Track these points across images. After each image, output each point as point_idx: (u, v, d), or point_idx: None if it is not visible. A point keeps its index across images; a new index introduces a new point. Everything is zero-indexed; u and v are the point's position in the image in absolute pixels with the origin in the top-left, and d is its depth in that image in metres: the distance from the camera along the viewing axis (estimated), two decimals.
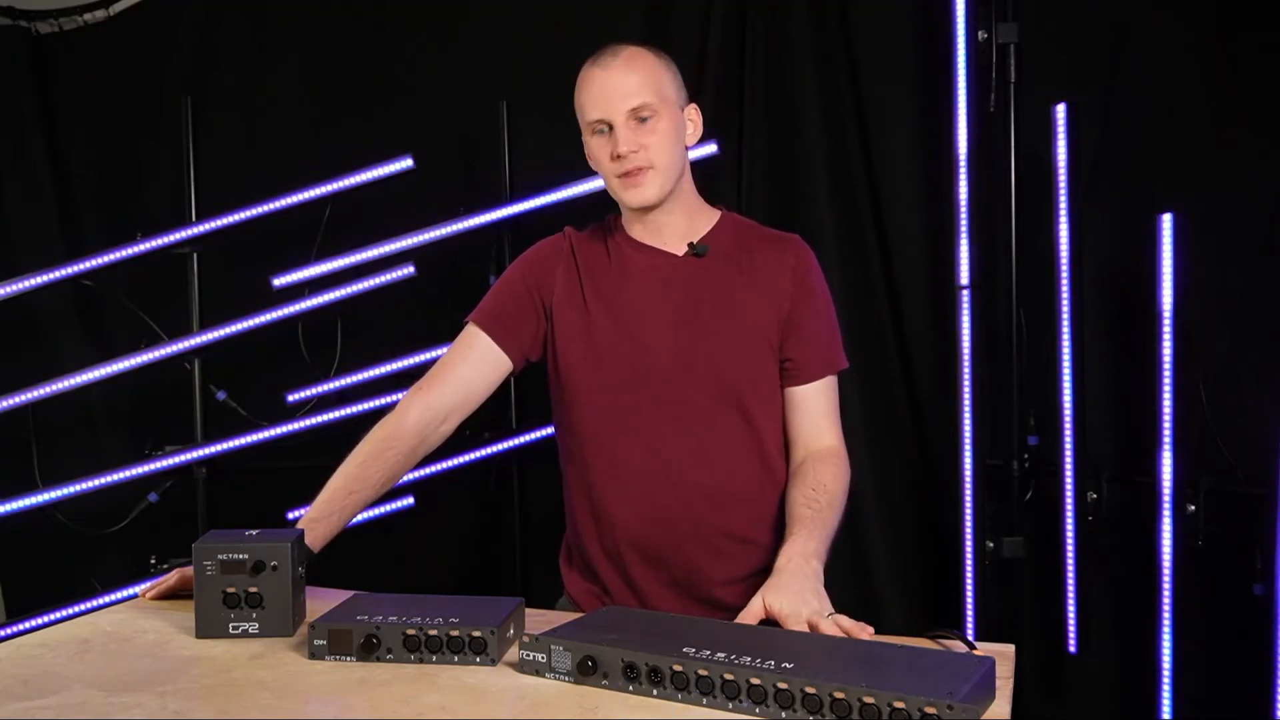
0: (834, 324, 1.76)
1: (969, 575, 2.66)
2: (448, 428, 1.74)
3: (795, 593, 1.45)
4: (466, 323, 1.77)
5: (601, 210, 1.84)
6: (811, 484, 1.65)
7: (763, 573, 1.70)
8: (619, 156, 1.64)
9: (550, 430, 2.79)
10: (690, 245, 1.72)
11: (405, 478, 2.85)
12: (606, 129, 1.66)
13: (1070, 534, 2.59)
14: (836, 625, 1.40)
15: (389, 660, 1.30)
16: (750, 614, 1.44)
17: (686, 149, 1.73)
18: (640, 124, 1.65)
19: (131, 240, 3.05)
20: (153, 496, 3.18)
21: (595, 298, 1.72)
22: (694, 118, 1.74)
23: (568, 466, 1.78)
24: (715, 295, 1.70)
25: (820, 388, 1.72)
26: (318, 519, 1.63)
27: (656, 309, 1.70)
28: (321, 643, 1.31)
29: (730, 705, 1.15)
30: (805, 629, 1.40)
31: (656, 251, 1.73)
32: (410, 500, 3.02)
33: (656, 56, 1.70)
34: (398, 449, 1.69)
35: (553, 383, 1.78)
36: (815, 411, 1.71)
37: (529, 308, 1.75)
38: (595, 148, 1.69)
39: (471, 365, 1.74)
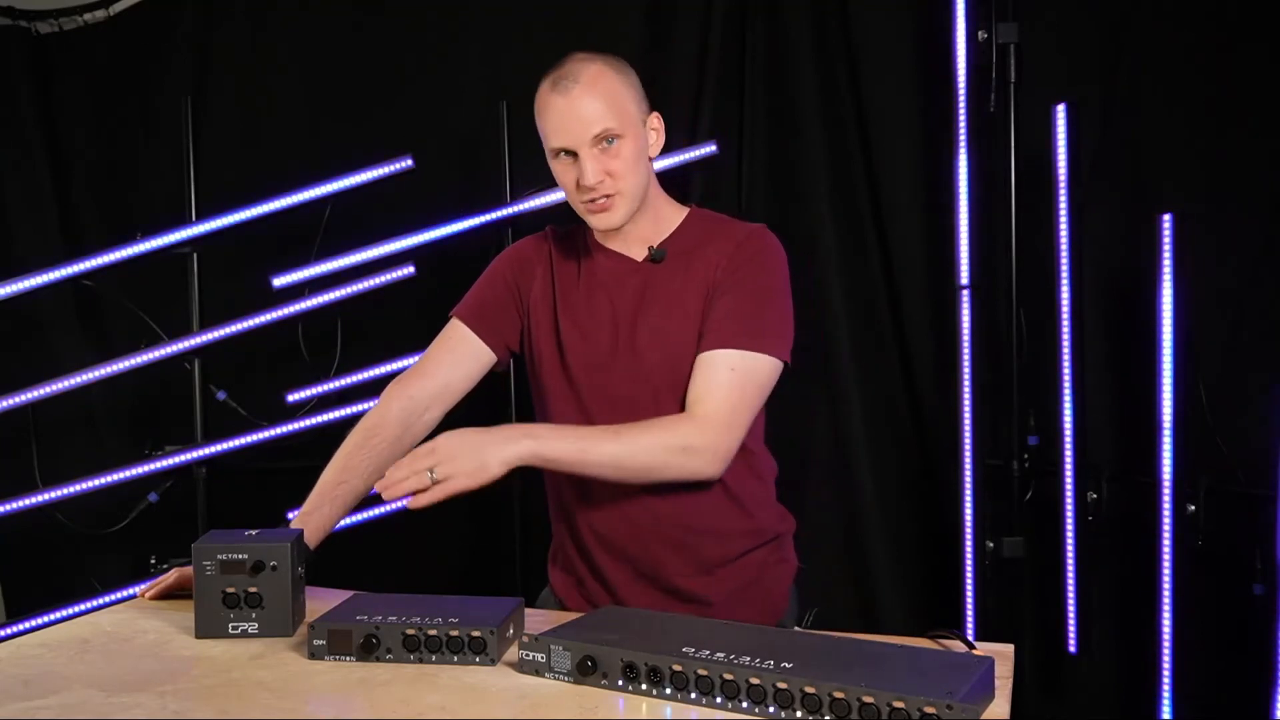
0: (762, 307, 1.66)
1: (969, 575, 2.66)
2: (431, 417, 1.76)
3: (453, 440, 1.50)
4: (450, 317, 1.81)
5: None
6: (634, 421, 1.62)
7: (726, 563, 1.72)
8: (585, 186, 1.64)
9: None
10: (650, 250, 1.73)
11: None
12: (570, 155, 1.65)
13: (1070, 534, 2.59)
14: (404, 477, 1.46)
15: (389, 660, 1.30)
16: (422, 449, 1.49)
17: (651, 159, 1.72)
18: (605, 149, 1.63)
19: (131, 240, 3.06)
20: (153, 496, 3.18)
21: (562, 300, 1.76)
22: (656, 126, 1.72)
23: None
24: (665, 294, 1.71)
25: (709, 360, 1.62)
26: (309, 512, 1.65)
27: (613, 311, 1.72)
28: (321, 643, 1.31)
29: (730, 705, 1.15)
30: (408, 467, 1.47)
31: (619, 256, 1.75)
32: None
33: (617, 73, 1.66)
34: (382, 437, 1.72)
35: (531, 382, 1.81)
36: (702, 379, 1.62)
37: (509, 303, 1.79)
38: (558, 171, 1.69)
39: (453, 357, 1.78)
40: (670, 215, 1.77)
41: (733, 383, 1.62)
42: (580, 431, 1.58)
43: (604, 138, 1.62)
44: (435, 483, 1.47)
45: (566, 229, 1.83)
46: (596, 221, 1.69)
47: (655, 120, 1.71)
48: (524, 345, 1.80)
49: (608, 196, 1.65)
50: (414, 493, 1.46)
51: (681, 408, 1.65)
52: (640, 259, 1.74)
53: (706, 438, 1.59)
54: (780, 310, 1.69)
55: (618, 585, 1.72)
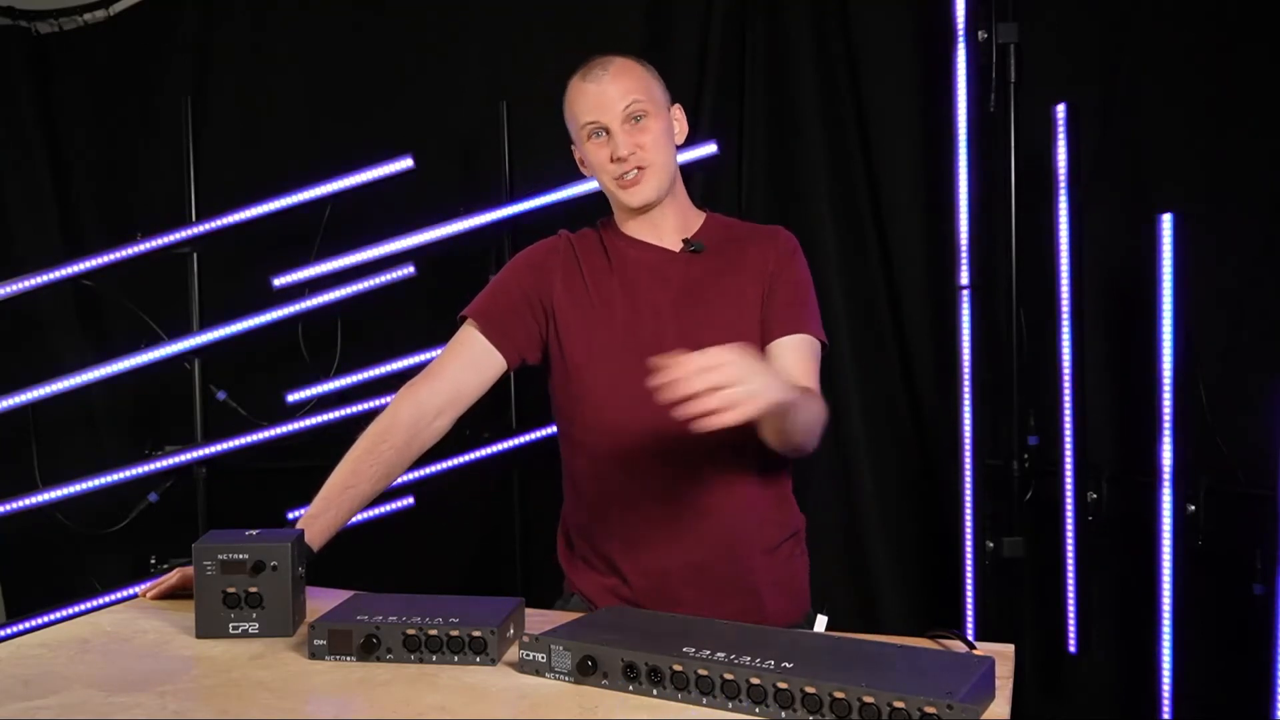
0: (809, 299, 1.77)
1: (969, 575, 2.66)
2: (441, 423, 1.75)
3: (744, 360, 1.37)
4: (462, 318, 1.79)
5: (601, 210, 1.86)
6: None
7: (768, 551, 1.74)
8: (618, 159, 1.70)
9: (549, 430, 2.78)
10: (685, 241, 1.77)
11: (405, 478, 2.89)
12: (602, 133, 1.71)
13: (1070, 534, 2.59)
14: (716, 364, 1.33)
15: (389, 660, 1.30)
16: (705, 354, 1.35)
17: (676, 149, 1.79)
18: (635, 124, 1.71)
19: (131, 240, 3.06)
20: (153, 496, 3.18)
21: (599, 294, 1.76)
22: (679, 117, 1.81)
23: (578, 461, 1.79)
24: (711, 284, 1.74)
25: (792, 343, 1.72)
26: (315, 516, 1.64)
27: (657, 300, 1.74)
28: (321, 643, 1.31)
29: (730, 705, 1.15)
30: (708, 361, 1.34)
31: (655, 248, 1.78)
32: (410, 500, 3.02)
33: (642, 65, 1.76)
34: (390, 443, 1.70)
35: (558, 382, 1.79)
36: (787, 362, 1.69)
37: (526, 311, 1.78)
38: (591, 151, 1.74)
39: (465, 363, 1.77)
40: (694, 213, 1.83)
41: (812, 365, 1.72)
42: (785, 386, 1.51)
43: (633, 114, 1.70)
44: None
45: (579, 229, 1.85)
46: (629, 197, 1.73)
47: (678, 111, 1.81)
48: (548, 348, 1.79)
49: (639, 170, 1.71)
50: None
51: None
52: (676, 249, 1.77)
53: (825, 411, 1.67)
54: (815, 299, 1.79)
55: (670, 577, 1.70)
